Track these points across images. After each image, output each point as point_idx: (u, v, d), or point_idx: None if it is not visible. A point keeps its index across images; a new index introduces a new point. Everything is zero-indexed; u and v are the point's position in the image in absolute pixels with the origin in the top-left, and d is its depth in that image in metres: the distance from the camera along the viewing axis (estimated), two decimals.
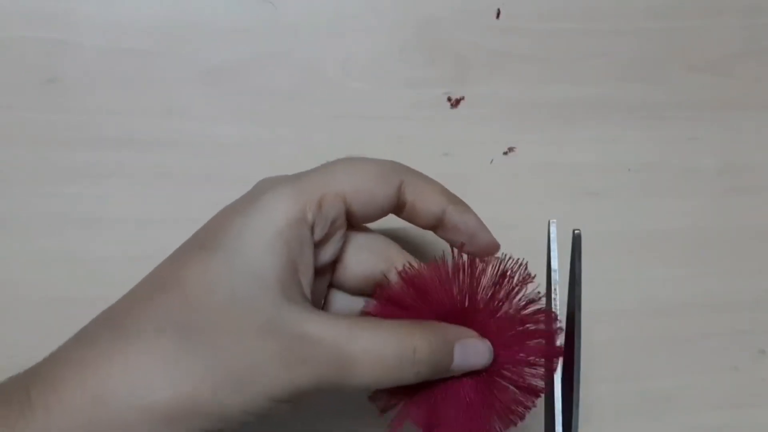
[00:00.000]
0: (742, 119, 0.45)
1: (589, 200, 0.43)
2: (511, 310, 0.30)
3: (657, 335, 0.43)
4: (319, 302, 0.31)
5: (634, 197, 0.44)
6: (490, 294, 0.30)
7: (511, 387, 0.30)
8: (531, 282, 0.30)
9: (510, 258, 0.30)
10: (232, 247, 0.26)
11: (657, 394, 0.43)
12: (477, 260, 0.30)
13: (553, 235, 0.31)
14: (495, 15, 0.42)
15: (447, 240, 0.31)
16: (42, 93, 0.39)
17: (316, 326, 0.26)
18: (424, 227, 0.31)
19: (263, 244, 0.26)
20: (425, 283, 0.29)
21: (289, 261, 0.27)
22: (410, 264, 0.30)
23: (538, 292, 0.30)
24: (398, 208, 0.30)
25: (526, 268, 0.30)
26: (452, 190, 0.31)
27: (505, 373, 0.30)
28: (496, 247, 0.31)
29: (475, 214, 0.31)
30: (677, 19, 0.44)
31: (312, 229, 0.27)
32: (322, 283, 0.31)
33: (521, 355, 0.30)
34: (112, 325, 0.26)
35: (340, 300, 0.32)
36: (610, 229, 0.43)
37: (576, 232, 0.30)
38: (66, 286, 0.39)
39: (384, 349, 0.26)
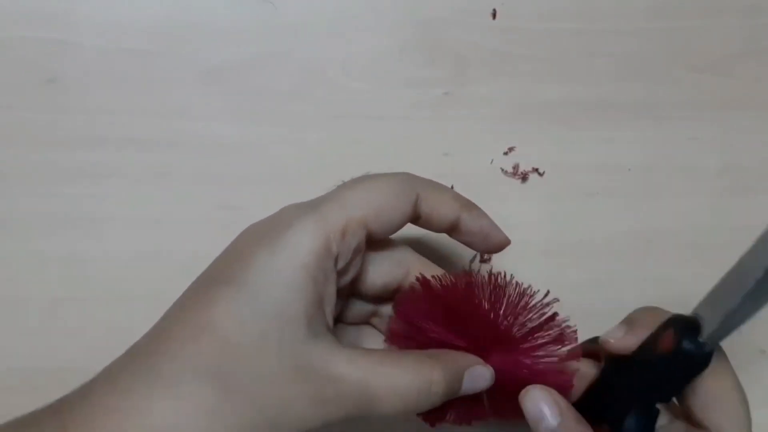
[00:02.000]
0: (742, 119, 0.45)
1: (589, 200, 0.43)
2: (531, 335, 0.30)
3: None
4: (337, 313, 0.32)
5: (634, 197, 0.44)
6: (513, 317, 0.30)
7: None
8: (553, 310, 0.30)
9: (534, 290, 0.30)
10: (258, 284, 0.26)
11: None
12: (501, 280, 0.30)
13: None
14: (491, 16, 0.42)
15: (462, 242, 0.32)
16: (42, 93, 0.39)
17: (344, 366, 0.27)
18: (439, 232, 0.32)
19: (290, 280, 0.26)
20: (449, 298, 0.30)
21: (314, 294, 0.27)
22: (433, 276, 0.30)
23: (554, 312, 0.30)
24: (414, 218, 0.31)
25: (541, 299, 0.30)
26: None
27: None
28: (507, 242, 0.32)
29: (488, 216, 0.31)
30: (677, 19, 0.44)
31: (336, 259, 0.28)
32: (341, 300, 0.31)
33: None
34: (147, 370, 0.26)
35: (356, 306, 0.32)
36: (610, 229, 0.43)
37: None
38: (66, 286, 0.39)
39: (406, 387, 0.28)
